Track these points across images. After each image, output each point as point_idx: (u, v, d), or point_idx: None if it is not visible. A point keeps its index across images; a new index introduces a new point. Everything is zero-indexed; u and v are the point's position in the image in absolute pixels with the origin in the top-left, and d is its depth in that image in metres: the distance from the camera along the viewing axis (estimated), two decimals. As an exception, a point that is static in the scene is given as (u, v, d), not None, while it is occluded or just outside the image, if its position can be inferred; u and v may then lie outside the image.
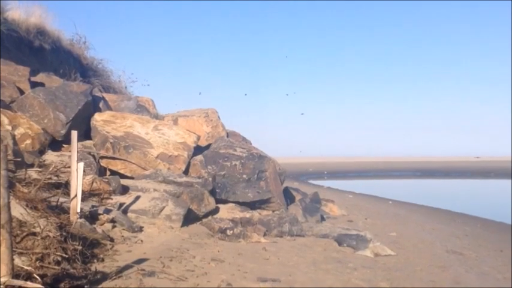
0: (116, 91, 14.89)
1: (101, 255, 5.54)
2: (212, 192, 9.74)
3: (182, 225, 7.96)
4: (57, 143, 9.97)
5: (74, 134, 6.35)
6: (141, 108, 12.56)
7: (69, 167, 6.48)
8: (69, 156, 6.79)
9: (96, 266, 5.10)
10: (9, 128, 8.91)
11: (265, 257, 7.03)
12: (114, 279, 4.74)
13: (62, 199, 6.47)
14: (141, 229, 7.23)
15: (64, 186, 7.13)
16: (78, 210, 6.08)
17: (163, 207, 8.04)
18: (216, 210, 9.54)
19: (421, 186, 36.53)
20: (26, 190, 6.10)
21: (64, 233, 5.20)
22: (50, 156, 9.07)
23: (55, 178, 7.44)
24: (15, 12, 12.28)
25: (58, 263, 4.58)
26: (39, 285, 3.84)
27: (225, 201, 10.25)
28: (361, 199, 20.05)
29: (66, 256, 4.74)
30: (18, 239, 4.63)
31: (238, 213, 9.71)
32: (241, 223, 8.86)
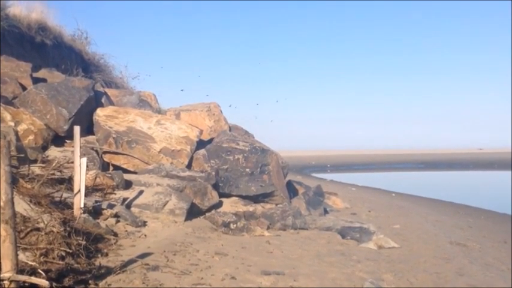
0: (118, 86, 14.87)
1: (105, 250, 5.57)
2: (215, 186, 9.74)
3: (186, 220, 7.98)
4: (60, 139, 9.99)
5: (77, 129, 6.36)
6: (144, 103, 12.55)
7: (72, 162, 6.50)
8: (72, 152, 6.81)
9: (100, 261, 5.13)
10: (12, 124, 8.94)
11: (269, 250, 7.05)
12: (119, 273, 4.76)
13: (65, 194, 6.50)
14: (144, 224, 7.26)
15: (67, 182, 7.16)
16: (82, 205, 6.10)
17: (167, 201, 8.05)
18: (219, 204, 9.55)
19: (424, 179, 36.47)
20: (29, 186, 6.12)
21: (68, 228, 5.24)
22: (53, 152, 9.10)
23: (58, 173, 7.46)
24: (17, 8, 12.28)
25: (62, 258, 4.60)
26: (44, 280, 3.86)
27: (228, 195, 10.25)
28: (364, 192, 20.05)
29: (70, 251, 4.77)
30: (22, 235, 4.65)
31: (242, 207, 9.73)
32: (244, 217, 8.88)
